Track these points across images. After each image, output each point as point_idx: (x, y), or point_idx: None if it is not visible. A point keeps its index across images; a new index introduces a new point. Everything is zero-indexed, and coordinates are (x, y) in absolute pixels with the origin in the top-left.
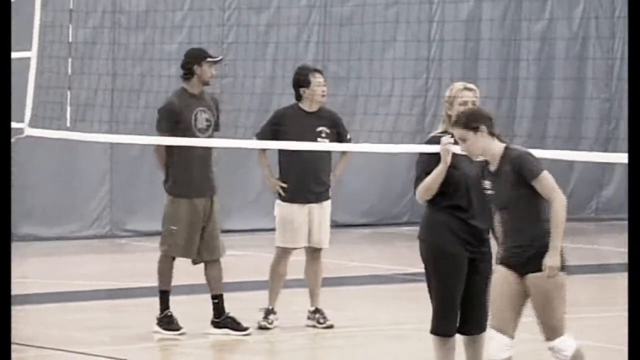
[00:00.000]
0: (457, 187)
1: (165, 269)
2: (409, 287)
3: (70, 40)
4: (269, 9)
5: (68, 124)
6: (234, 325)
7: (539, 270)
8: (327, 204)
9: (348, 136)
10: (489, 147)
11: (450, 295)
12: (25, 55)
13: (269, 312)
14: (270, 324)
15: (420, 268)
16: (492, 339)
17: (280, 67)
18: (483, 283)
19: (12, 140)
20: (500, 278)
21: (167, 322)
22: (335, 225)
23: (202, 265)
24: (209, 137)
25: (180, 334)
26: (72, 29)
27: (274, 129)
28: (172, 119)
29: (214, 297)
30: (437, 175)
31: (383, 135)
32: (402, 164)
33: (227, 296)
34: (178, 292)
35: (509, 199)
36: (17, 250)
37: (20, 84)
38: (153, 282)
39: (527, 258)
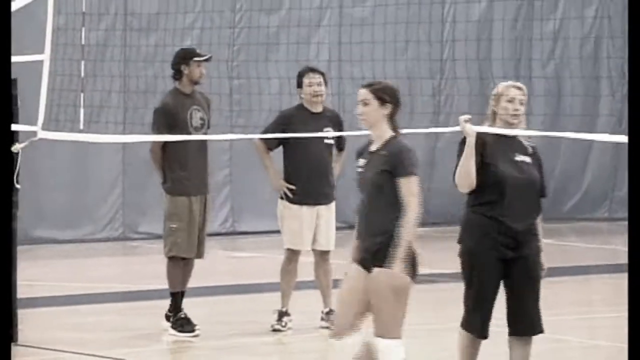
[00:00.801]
0: (491, 186)
1: (175, 271)
2: (420, 288)
3: (82, 42)
4: (280, 10)
5: (81, 126)
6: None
7: (383, 265)
8: (333, 206)
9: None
10: (381, 126)
11: (479, 295)
12: (39, 58)
13: (282, 314)
14: (284, 326)
15: (430, 269)
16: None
17: (293, 69)
18: (524, 284)
19: (26, 143)
20: (347, 278)
21: (181, 324)
22: (347, 226)
23: (206, 268)
24: (204, 135)
25: (194, 336)
26: (85, 32)
27: (279, 130)
28: (168, 119)
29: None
30: (467, 157)
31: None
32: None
33: (241, 298)
34: (190, 294)
35: (372, 183)
36: (31, 253)
37: (34, 87)
38: (165, 284)
39: (375, 250)
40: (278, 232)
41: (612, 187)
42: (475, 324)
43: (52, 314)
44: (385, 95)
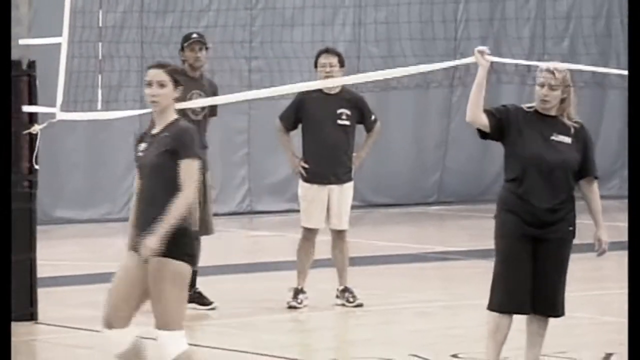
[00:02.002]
0: (519, 164)
1: None
2: (437, 265)
3: (100, 25)
4: None
5: (99, 107)
6: (201, 300)
7: (160, 254)
8: (349, 186)
9: (373, 117)
10: (168, 109)
11: (503, 273)
12: (57, 41)
13: (298, 291)
14: (300, 303)
15: (446, 247)
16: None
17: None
18: (548, 265)
19: (44, 124)
20: (124, 267)
21: (198, 297)
22: (364, 205)
23: (222, 247)
24: (201, 119)
25: (211, 309)
26: (102, 14)
27: (296, 111)
28: None
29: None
30: (478, 87)
31: (413, 114)
32: (430, 144)
33: (258, 276)
34: (208, 272)
35: (152, 166)
36: (52, 233)
37: (52, 69)
38: None
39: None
40: (295, 211)
41: (620, 165)
42: (499, 298)
43: (71, 293)
44: (179, 77)
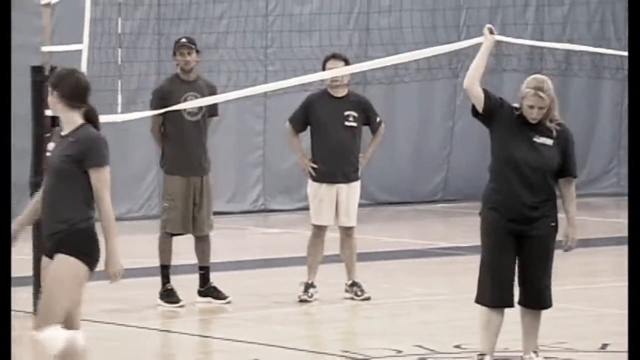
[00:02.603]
0: (503, 164)
1: (164, 246)
2: (441, 260)
3: (119, 31)
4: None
5: (119, 110)
6: (216, 294)
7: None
8: (356, 184)
9: (378, 119)
10: (63, 111)
11: (489, 268)
12: (77, 47)
13: (308, 286)
14: (310, 297)
15: (451, 242)
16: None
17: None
18: (533, 260)
19: None
20: (43, 269)
21: (168, 295)
22: (373, 203)
23: (238, 244)
24: (199, 120)
25: (179, 307)
26: (121, 21)
27: (305, 114)
28: (161, 102)
29: (200, 268)
30: (481, 57)
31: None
32: (435, 145)
33: (271, 271)
34: (224, 268)
35: (56, 169)
36: None
37: None
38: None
39: (57, 239)
40: (306, 209)
41: (617, 163)
42: (485, 294)
43: (94, 288)
44: (55, 81)
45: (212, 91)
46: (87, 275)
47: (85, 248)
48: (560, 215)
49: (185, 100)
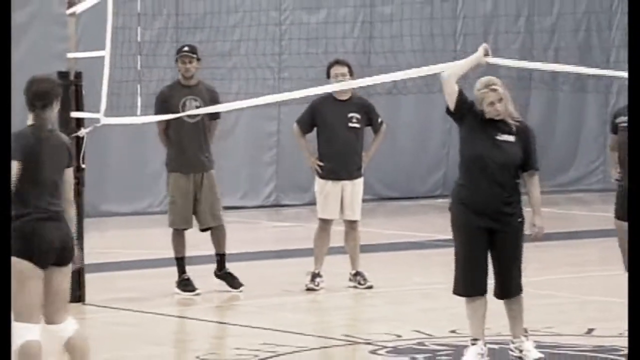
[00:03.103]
0: (470, 162)
1: (176, 240)
2: (440, 251)
3: (138, 40)
4: (321, 9)
5: (139, 112)
6: (230, 281)
7: None
8: (359, 181)
9: (380, 120)
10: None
11: (463, 259)
12: (100, 54)
13: (315, 275)
14: (317, 285)
15: (449, 235)
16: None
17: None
18: (503, 254)
19: (90, 128)
20: None
21: (184, 284)
22: (377, 198)
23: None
24: (199, 122)
25: (195, 295)
26: (140, 30)
27: (311, 116)
28: (162, 106)
29: (217, 255)
30: (469, 61)
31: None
32: (435, 144)
33: (282, 262)
34: (238, 258)
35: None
36: (99, 225)
37: (97, 79)
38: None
39: None
40: (315, 204)
41: (602, 162)
42: (459, 285)
43: (115, 278)
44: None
45: (212, 95)
46: (33, 271)
47: (16, 245)
48: (527, 209)
49: (184, 103)
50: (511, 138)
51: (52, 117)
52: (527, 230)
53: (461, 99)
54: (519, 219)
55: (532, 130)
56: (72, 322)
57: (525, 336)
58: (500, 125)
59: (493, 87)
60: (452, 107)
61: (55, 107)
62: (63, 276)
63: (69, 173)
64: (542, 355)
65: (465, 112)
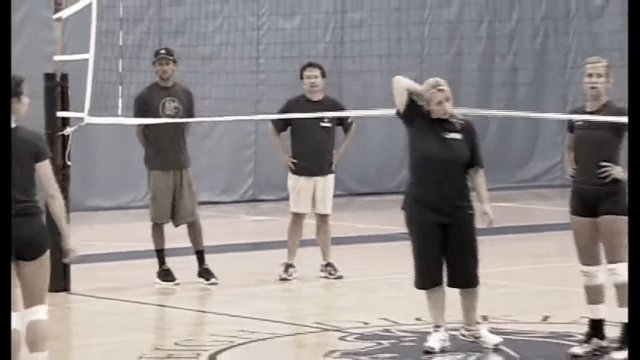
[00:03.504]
0: (420, 162)
1: (155, 234)
2: (407, 244)
3: (120, 44)
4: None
5: (120, 113)
6: (206, 275)
7: None
8: (330, 177)
9: (350, 120)
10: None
11: (419, 255)
12: (85, 57)
13: (288, 266)
14: (290, 276)
15: None
16: None
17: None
18: (458, 247)
19: (75, 127)
20: None
21: (164, 275)
22: (348, 194)
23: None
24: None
25: (175, 285)
26: (123, 35)
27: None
28: (142, 107)
29: (196, 252)
30: (418, 88)
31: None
32: (401, 142)
33: (258, 254)
34: (217, 250)
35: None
36: (85, 219)
37: (81, 81)
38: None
39: None
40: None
41: (560, 159)
42: (418, 279)
43: (99, 268)
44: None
45: (188, 96)
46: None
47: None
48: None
49: (163, 105)
50: (458, 136)
51: (16, 115)
52: (478, 222)
53: (410, 100)
54: (470, 212)
55: (475, 129)
56: (41, 310)
57: (480, 323)
58: (446, 124)
59: (440, 87)
60: (401, 108)
61: (19, 106)
62: (36, 269)
63: (43, 167)
64: (501, 340)
65: (414, 114)
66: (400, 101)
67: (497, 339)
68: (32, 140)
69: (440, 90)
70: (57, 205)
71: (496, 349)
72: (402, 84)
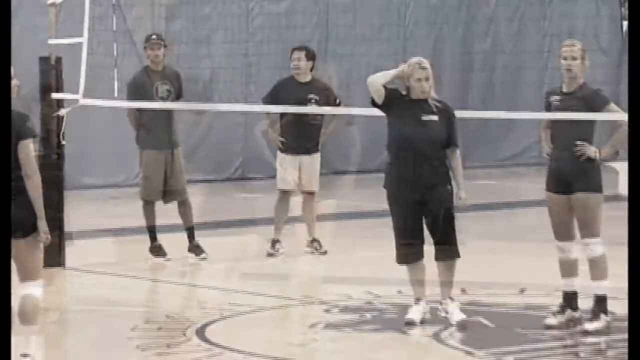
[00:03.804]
0: (399, 143)
1: (146, 211)
2: (389, 220)
3: (114, 29)
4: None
5: (115, 95)
6: (196, 251)
7: None
8: (317, 156)
9: (337, 101)
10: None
11: (399, 232)
12: (79, 40)
13: (275, 242)
14: (277, 251)
15: None
16: None
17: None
18: (437, 221)
19: (69, 109)
20: None
21: (156, 250)
22: (333, 172)
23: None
24: (171, 102)
25: (166, 260)
26: (116, 19)
27: (274, 96)
28: (135, 91)
29: (187, 229)
30: (392, 72)
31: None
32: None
33: (247, 230)
34: (208, 227)
35: None
36: (82, 196)
37: (75, 64)
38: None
39: None
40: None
41: (536, 140)
42: (398, 254)
43: (92, 244)
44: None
45: (178, 78)
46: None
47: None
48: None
49: (156, 88)
50: (434, 117)
51: None
52: (455, 201)
53: (386, 93)
54: (447, 188)
55: (452, 110)
56: (34, 285)
57: (451, 299)
58: (424, 106)
59: (423, 65)
60: (379, 101)
61: None
62: (27, 247)
63: (23, 146)
64: (464, 316)
65: (389, 102)
66: (379, 97)
67: (460, 316)
68: (17, 120)
69: (422, 67)
70: (33, 186)
71: (462, 324)
72: (377, 83)
